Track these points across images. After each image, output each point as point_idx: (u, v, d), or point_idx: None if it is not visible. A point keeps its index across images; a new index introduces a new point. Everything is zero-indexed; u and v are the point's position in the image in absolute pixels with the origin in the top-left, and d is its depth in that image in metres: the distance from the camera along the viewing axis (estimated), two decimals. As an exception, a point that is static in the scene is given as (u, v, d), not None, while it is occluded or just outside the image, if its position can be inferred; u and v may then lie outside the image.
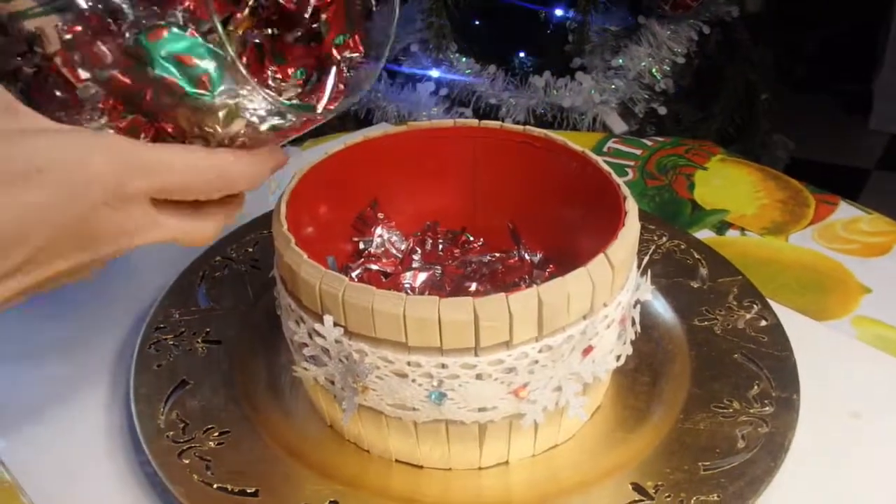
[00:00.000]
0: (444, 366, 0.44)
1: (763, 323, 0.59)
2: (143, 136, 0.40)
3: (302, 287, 0.45)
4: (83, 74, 0.39)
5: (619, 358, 0.50)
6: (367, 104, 1.29)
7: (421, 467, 0.50)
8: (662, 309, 0.61)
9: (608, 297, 0.46)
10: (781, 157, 1.62)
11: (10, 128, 0.37)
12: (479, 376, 0.44)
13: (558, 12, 1.37)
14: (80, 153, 0.37)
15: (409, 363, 0.44)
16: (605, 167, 0.52)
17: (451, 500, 0.49)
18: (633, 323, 0.51)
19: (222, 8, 0.41)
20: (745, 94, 1.48)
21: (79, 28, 0.39)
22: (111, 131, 0.40)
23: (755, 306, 0.60)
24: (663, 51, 1.32)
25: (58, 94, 0.40)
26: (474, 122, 0.58)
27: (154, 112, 0.40)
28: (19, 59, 0.40)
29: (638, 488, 0.47)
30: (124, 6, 0.39)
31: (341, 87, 0.45)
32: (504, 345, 0.44)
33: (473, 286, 0.56)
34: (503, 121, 0.66)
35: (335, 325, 0.44)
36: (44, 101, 0.40)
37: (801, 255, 0.70)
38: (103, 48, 0.39)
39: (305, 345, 0.47)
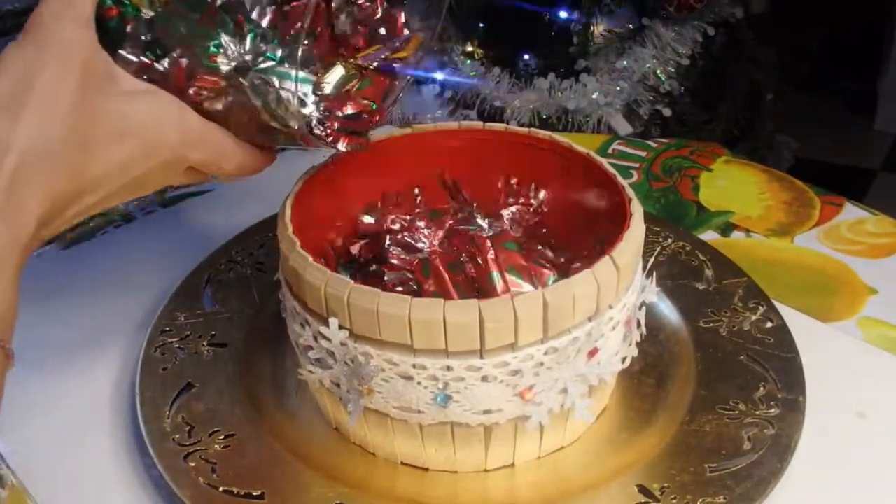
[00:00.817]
0: (449, 368, 0.44)
1: (769, 324, 0.59)
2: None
3: (307, 290, 0.45)
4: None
5: (624, 360, 0.50)
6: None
7: (426, 470, 0.50)
8: (668, 311, 0.61)
9: (613, 299, 0.46)
10: (787, 158, 1.61)
11: (108, 90, 0.43)
12: (484, 378, 0.44)
13: (563, 14, 1.37)
14: (157, 121, 0.44)
15: (414, 365, 0.44)
16: (610, 169, 0.52)
17: (456, 503, 0.49)
18: (639, 325, 0.51)
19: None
20: (750, 95, 1.47)
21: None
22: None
23: (761, 308, 0.60)
24: (668, 52, 1.32)
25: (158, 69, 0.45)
26: (479, 124, 0.58)
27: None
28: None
29: (644, 490, 0.47)
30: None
31: None
32: (509, 347, 0.44)
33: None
34: (508, 123, 0.66)
35: (340, 327, 0.44)
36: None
37: (806, 256, 0.70)
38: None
39: (311, 347, 0.47)
